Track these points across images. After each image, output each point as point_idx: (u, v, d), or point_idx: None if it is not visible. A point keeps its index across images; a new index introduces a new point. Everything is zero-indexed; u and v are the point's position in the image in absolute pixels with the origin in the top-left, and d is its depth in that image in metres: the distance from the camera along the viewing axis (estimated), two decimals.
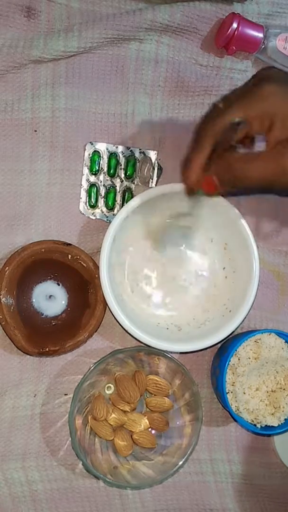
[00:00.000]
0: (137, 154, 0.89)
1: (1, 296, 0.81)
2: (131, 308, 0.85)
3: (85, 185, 0.88)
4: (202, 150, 0.69)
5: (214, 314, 0.86)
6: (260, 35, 0.87)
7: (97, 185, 0.88)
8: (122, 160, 0.89)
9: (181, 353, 0.87)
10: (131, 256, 0.87)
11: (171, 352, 0.83)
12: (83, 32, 0.86)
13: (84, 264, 0.84)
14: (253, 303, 0.82)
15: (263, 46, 0.88)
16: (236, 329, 0.82)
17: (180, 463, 0.80)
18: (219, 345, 0.87)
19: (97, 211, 0.88)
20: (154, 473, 0.81)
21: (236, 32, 0.86)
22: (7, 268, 0.82)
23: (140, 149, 0.89)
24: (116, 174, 0.89)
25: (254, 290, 0.82)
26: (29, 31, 0.88)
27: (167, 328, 0.86)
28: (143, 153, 0.89)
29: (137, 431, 0.83)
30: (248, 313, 0.85)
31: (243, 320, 0.82)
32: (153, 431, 0.84)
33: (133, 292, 0.87)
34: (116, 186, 0.89)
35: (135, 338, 0.81)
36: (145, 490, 0.85)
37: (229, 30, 0.86)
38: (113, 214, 0.88)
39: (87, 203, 0.88)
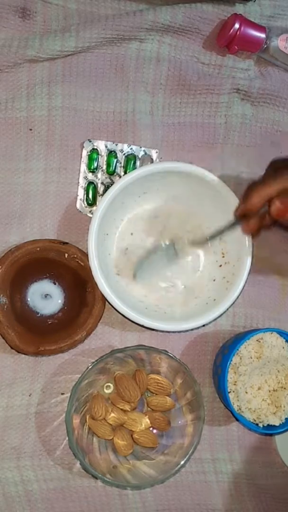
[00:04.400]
0: (137, 152, 0.88)
1: None
2: (122, 290, 0.85)
3: (82, 182, 0.87)
4: (272, 186, 0.74)
5: (200, 301, 0.86)
6: (262, 35, 0.88)
7: (95, 183, 0.88)
8: (122, 158, 0.88)
9: (162, 331, 0.86)
10: (122, 238, 0.87)
11: (155, 330, 0.83)
12: (81, 32, 0.86)
13: (81, 263, 0.83)
14: (238, 296, 0.82)
15: (265, 46, 0.88)
16: (217, 317, 0.82)
17: (182, 462, 0.79)
18: (220, 344, 0.87)
19: (95, 209, 0.87)
20: (155, 472, 0.80)
21: (238, 32, 0.87)
22: (0, 267, 0.81)
23: (141, 147, 0.88)
24: (116, 172, 0.88)
25: (242, 282, 0.82)
26: (24, 31, 0.88)
27: (155, 311, 0.85)
28: (144, 151, 0.88)
29: (138, 431, 0.81)
30: (250, 312, 0.88)
31: (225, 310, 0.82)
32: (154, 431, 0.83)
33: (122, 275, 0.86)
34: None
35: (121, 313, 0.80)
36: (146, 490, 0.84)
37: (231, 30, 0.87)
38: None
39: (85, 201, 0.87)
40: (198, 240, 0.85)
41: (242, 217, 0.78)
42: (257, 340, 0.82)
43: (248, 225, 0.78)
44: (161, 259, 0.86)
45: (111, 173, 0.88)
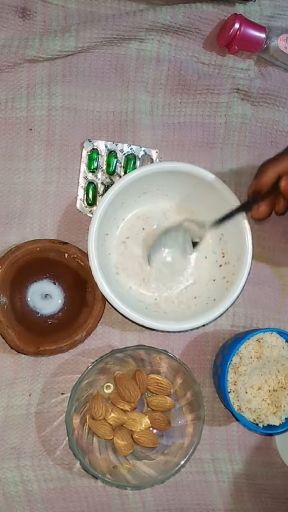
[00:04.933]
0: (137, 152, 0.88)
1: None
2: (122, 290, 0.85)
3: (82, 182, 0.87)
4: (284, 162, 0.76)
5: (200, 301, 0.86)
6: (263, 35, 0.88)
7: (95, 182, 0.87)
8: (122, 158, 0.88)
9: (162, 331, 0.86)
10: (122, 237, 0.87)
11: (155, 330, 0.83)
12: (81, 32, 0.86)
13: (81, 263, 0.83)
14: (238, 296, 0.82)
15: (265, 46, 0.88)
16: (217, 317, 0.81)
17: (182, 462, 0.78)
18: (220, 344, 0.87)
19: (95, 209, 0.87)
20: (155, 472, 0.80)
21: (238, 32, 0.87)
22: (0, 267, 0.81)
23: (141, 147, 0.88)
24: (116, 172, 0.88)
25: (242, 282, 0.81)
26: (24, 31, 0.88)
27: (155, 311, 0.85)
28: (144, 151, 0.88)
29: (138, 431, 0.81)
30: (250, 312, 0.87)
31: (226, 310, 0.81)
32: (154, 431, 0.83)
33: (122, 274, 0.86)
34: None
35: (121, 313, 0.80)
36: (146, 490, 0.84)
37: (231, 30, 0.86)
38: None
39: (85, 201, 0.87)
40: (208, 223, 0.84)
41: (254, 194, 0.78)
42: (257, 340, 0.82)
43: (258, 210, 0.78)
44: (175, 242, 0.86)
45: (111, 173, 0.88)
